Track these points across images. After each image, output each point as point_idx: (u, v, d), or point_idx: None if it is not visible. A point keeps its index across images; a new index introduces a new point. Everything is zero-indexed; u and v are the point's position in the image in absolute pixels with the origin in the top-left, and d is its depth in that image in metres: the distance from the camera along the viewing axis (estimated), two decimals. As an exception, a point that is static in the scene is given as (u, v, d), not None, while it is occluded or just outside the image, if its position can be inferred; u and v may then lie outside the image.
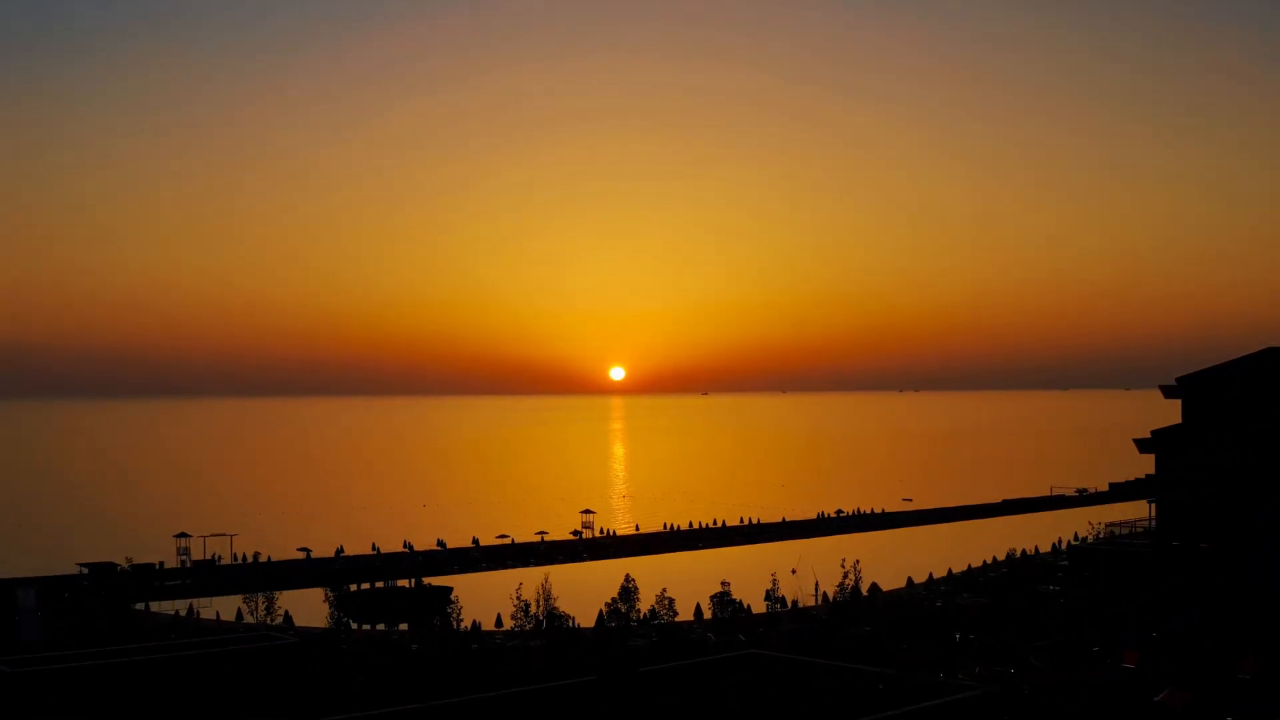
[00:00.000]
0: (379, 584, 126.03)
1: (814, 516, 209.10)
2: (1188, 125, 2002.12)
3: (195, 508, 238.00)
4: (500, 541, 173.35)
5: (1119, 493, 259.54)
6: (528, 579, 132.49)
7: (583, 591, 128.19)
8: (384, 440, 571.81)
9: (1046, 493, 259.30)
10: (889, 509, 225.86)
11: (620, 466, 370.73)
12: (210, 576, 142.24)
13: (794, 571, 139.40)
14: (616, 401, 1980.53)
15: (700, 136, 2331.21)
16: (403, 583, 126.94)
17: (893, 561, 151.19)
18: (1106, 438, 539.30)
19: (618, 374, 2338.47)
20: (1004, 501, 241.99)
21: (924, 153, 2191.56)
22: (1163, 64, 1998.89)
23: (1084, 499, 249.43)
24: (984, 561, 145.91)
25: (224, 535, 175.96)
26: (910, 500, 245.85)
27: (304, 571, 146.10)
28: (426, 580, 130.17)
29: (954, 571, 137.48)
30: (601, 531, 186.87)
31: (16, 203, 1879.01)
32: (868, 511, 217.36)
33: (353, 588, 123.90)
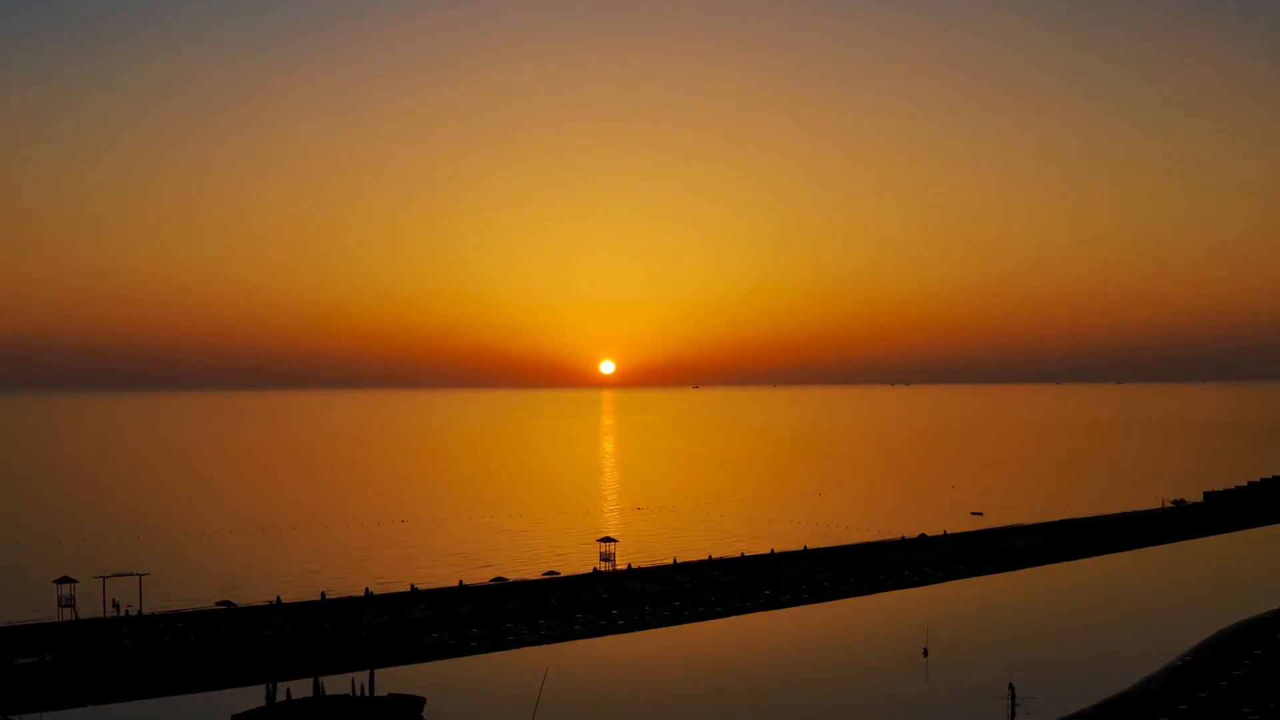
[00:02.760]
0: (290, 686, 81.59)
1: (895, 538, 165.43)
2: (1174, 121, 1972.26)
3: (121, 528, 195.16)
4: (495, 582, 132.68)
5: (1221, 506, 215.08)
6: (538, 666, 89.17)
7: (623, 692, 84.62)
8: (370, 439, 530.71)
9: (1131, 502, 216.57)
10: (954, 525, 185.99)
11: (627, 472, 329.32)
12: (80, 654, 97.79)
13: (925, 653, 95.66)
14: (608, 395, 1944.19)
15: (692, 132, 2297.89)
16: (347, 678, 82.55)
17: (1060, 629, 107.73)
18: (1120, 434, 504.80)
19: (608, 368, 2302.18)
20: (1110, 516, 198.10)
21: (911, 147, 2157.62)
22: (1149, 60, 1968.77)
23: (1183, 511, 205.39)
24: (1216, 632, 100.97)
25: (131, 575, 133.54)
26: (981, 514, 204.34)
27: (212, 639, 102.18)
28: (382, 676, 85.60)
29: (1178, 663, 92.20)
30: (627, 567, 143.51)
31: (14, 194, 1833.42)
32: (956, 533, 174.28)
33: (282, 689, 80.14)
